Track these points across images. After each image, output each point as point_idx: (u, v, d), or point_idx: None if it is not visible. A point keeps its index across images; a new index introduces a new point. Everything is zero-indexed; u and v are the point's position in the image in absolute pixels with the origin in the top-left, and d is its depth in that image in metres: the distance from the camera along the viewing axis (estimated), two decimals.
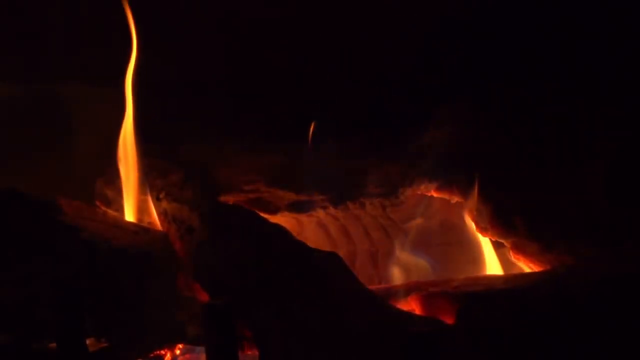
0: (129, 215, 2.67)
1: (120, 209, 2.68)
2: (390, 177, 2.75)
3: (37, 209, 2.40)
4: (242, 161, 2.80)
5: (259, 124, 2.94)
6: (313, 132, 2.79)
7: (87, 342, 2.20)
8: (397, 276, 2.72)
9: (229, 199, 2.73)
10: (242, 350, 2.30)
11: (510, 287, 2.30)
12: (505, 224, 2.60)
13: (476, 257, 2.73)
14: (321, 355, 2.08)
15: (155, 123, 2.73)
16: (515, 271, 2.63)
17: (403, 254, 2.76)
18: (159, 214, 2.63)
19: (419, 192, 2.76)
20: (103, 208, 2.73)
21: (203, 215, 2.46)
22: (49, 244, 2.32)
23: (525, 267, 2.61)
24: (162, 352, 2.41)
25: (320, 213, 2.79)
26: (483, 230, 2.64)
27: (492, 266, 2.69)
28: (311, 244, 2.47)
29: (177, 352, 2.48)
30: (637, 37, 2.82)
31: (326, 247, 2.72)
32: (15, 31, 3.02)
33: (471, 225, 2.69)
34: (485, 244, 2.71)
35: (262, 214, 2.47)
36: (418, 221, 2.85)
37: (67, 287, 2.12)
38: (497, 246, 2.70)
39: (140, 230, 2.55)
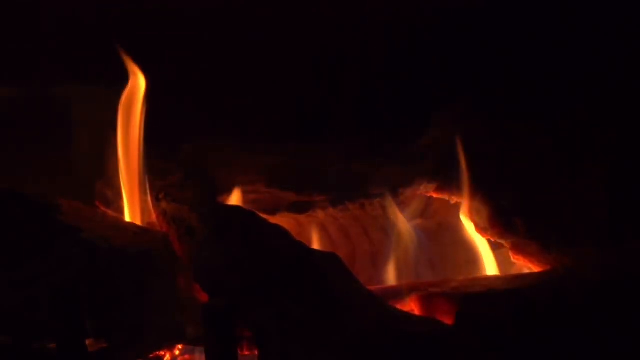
0: (135, 217, 2.67)
1: (120, 209, 2.68)
2: (390, 178, 2.75)
3: (36, 209, 2.40)
4: (242, 161, 2.79)
5: (259, 124, 2.94)
6: (313, 132, 2.79)
7: (87, 342, 2.21)
8: (394, 276, 2.73)
9: (228, 199, 2.73)
10: (242, 351, 2.30)
11: (509, 288, 2.30)
12: (505, 225, 2.60)
13: (475, 258, 2.73)
14: (320, 356, 2.08)
15: (155, 123, 2.73)
16: (514, 272, 2.63)
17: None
18: (158, 215, 2.63)
19: (418, 193, 2.76)
20: (103, 209, 2.73)
21: (203, 215, 2.45)
22: (49, 244, 2.32)
23: (525, 267, 2.61)
24: (162, 352, 2.42)
25: (320, 214, 2.79)
26: (482, 230, 2.64)
27: (491, 267, 2.69)
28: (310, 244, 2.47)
29: (177, 352, 2.48)
30: (637, 37, 2.82)
31: (326, 247, 2.72)
32: (15, 32, 3.02)
33: (470, 225, 2.69)
34: (484, 244, 2.71)
35: (261, 215, 2.47)
36: (417, 221, 2.85)
37: (67, 287, 2.12)
38: (496, 247, 2.70)
39: (140, 230, 2.55)
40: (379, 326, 2.11)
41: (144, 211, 2.66)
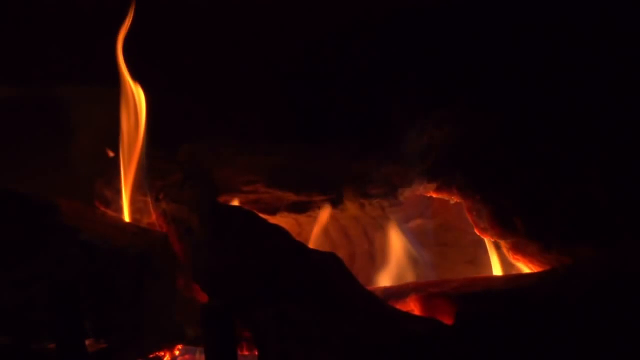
0: (125, 215, 2.67)
1: (119, 209, 2.68)
2: (389, 178, 2.75)
3: (35, 209, 2.40)
4: (242, 161, 2.79)
5: (259, 124, 2.94)
6: (313, 132, 2.79)
7: (87, 342, 2.21)
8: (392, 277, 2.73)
9: (228, 199, 2.73)
10: (242, 351, 2.30)
11: (509, 288, 2.31)
12: (505, 224, 2.59)
13: (475, 258, 2.73)
14: (320, 356, 2.08)
15: (155, 123, 2.73)
16: (514, 272, 2.63)
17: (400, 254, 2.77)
18: (158, 215, 2.63)
19: (418, 193, 2.75)
20: (102, 209, 2.73)
21: (202, 215, 2.46)
22: (48, 244, 2.32)
23: (525, 267, 2.61)
24: (161, 353, 2.42)
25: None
26: (482, 230, 2.64)
27: (491, 267, 2.69)
28: (310, 244, 2.47)
29: (177, 352, 2.48)
30: (636, 38, 2.82)
31: (325, 247, 2.72)
32: (14, 32, 3.02)
33: (471, 225, 2.69)
34: (485, 244, 2.71)
35: (261, 215, 2.47)
36: (417, 222, 2.85)
37: (66, 288, 2.12)
38: (496, 247, 2.70)
39: (139, 231, 2.55)
40: (378, 326, 2.12)
41: (142, 211, 2.66)
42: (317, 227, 2.75)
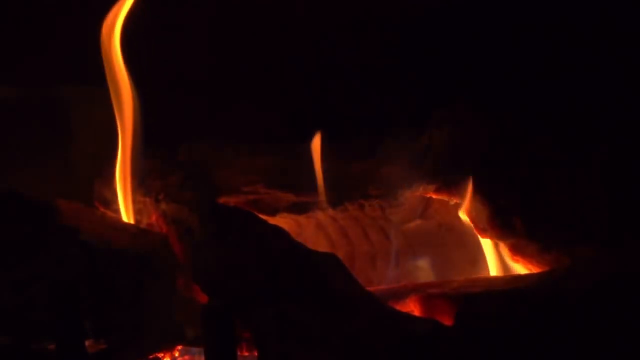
0: (128, 217, 2.67)
1: (119, 210, 2.68)
2: (389, 179, 2.75)
3: (35, 210, 2.40)
4: (242, 162, 2.79)
5: (259, 125, 2.94)
6: (313, 133, 2.79)
7: (87, 343, 2.21)
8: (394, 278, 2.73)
9: (228, 200, 2.73)
10: (241, 351, 2.30)
11: (509, 289, 2.30)
12: (504, 225, 2.59)
13: (475, 258, 2.73)
14: (320, 356, 2.08)
15: (154, 124, 2.73)
16: (513, 272, 2.63)
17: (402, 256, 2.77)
18: (158, 216, 2.63)
19: (417, 194, 2.75)
20: (102, 209, 2.73)
21: (202, 216, 2.46)
22: (48, 245, 2.32)
23: (524, 268, 2.61)
24: (161, 354, 2.42)
25: (319, 214, 2.78)
26: (482, 231, 2.63)
27: (492, 267, 2.68)
28: (310, 245, 2.47)
29: (176, 353, 2.48)
30: (635, 38, 2.82)
31: (325, 248, 2.72)
32: (15, 32, 3.03)
33: (470, 226, 2.69)
34: (485, 244, 2.70)
35: (261, 216, 2.47)
36: (417, 222, 2.85)
37: (66, 289, 2.12)
38: (496, 247, 2.70)
39: (139, 231, 2.55)
40: (378, 326, 2.12)
41: (142, 212, 2.66)
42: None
